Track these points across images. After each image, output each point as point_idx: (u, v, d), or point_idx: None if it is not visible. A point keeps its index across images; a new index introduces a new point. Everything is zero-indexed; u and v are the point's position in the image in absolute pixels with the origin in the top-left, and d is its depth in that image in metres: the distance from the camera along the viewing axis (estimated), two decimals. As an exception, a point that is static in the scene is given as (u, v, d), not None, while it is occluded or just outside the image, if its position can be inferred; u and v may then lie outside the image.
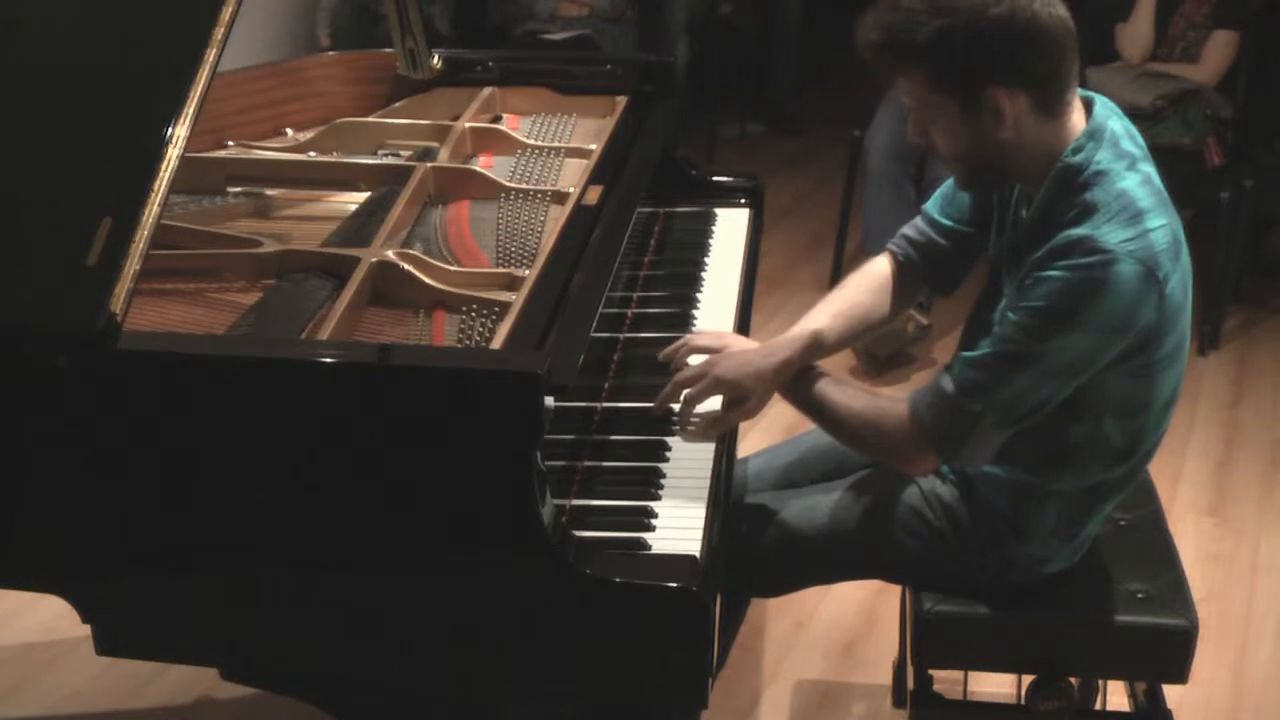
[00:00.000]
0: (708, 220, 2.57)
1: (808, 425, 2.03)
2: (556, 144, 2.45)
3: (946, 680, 2.15)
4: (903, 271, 2.10)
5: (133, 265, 1.56)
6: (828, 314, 2.04)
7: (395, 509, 1.58)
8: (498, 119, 2.62)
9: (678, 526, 1.70)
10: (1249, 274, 4.38)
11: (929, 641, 1.98)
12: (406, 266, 1.93)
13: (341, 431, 1.58)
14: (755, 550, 2.01)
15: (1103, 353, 1.74)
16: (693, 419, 1.91)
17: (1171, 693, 2.09)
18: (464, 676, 1.69)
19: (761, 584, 2.12)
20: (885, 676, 2.61)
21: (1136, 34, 4.06)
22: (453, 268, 1.98)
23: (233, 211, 2.22)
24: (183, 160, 1.63)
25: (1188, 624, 1.94)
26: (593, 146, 2.37)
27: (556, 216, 2.10)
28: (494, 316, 1.84)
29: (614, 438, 1.90)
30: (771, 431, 3.15)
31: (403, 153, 2.45)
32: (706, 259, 2.42)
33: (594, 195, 2.15)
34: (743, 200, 2.64)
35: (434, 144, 2.42)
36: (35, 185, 1.69)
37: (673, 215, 2.59)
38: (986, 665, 2.10)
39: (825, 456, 2.16)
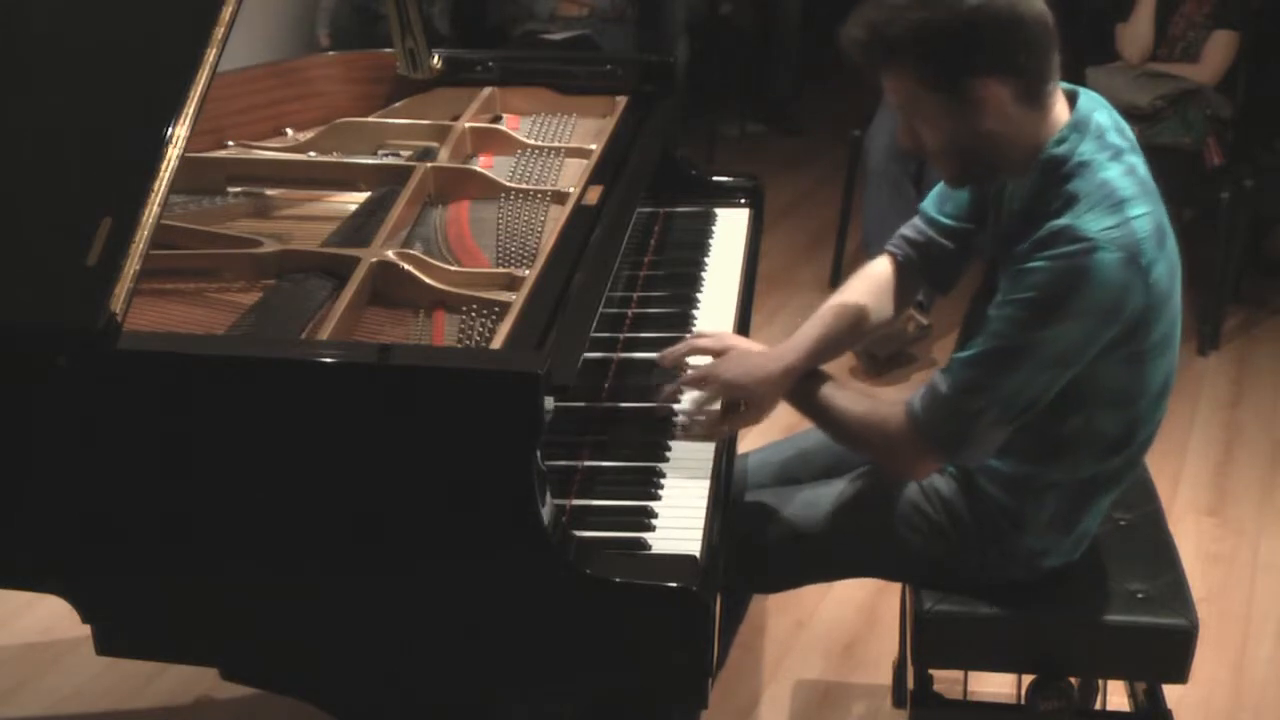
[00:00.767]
0: (708, 220, 2.57)
1: (807, 423, 2.03)
2: (556, 144, 2.45)
3: (946, 680, 2.15)
4: (903, 271, 2.10)
5: (133, 265, 1.57)
6: (831, 317, 2.05)
7: (395, 509, 1.58)
8: (498, 119, 2.62)
9: (678, 526, 1.70)
10: (1249, 274, 4.38)
11: (929, 641, 1.98)
12: (406, 266, 1.93)
13: (341, 431, 1.58)
14: (755, 547, 2.01)
15: (1093, 341, 1.75)
16: (697, 418, 1.91)
17: (1171, 693, 2.09)
18: (464, 676, 1.69)
19: (761, 581, 2.12)
20: (885, 676, 2.61)
21: (1136, 34, 4.06)
22: (453, 268, 1.98)
23: (233, 211, 2.22)
24: (183, 160, 1.63)
25: (1188, 624, 1.95)
26: (593, 146, 2.37)
27: (556, 216, 2.10)
28: (494, 316, 1.84)
29: (614, 438, 1.90)
30: (771, 430, 3.14)
31: (403, 153, 2.45)
32: (706, 259, 2.42)
33: (594, 195, 2.15)
34: (743, 200, 2.64)
35: (434, 144, 2.42)
36: (35, 185, 1.69)
37: (673, 215, 2.59)
38: (986, 665, 2.10)
39: (825, 452, 2.16)
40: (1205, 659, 2.57)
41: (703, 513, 1.73)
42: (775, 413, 1.98)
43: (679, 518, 1.72)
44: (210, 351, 1.66)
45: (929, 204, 2.09)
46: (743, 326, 2.24)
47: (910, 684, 2.08)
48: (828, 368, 2.01)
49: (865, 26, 1.76)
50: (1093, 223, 1.71)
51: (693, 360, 2.01)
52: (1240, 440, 3.59)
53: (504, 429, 1.53)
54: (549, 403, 1.53)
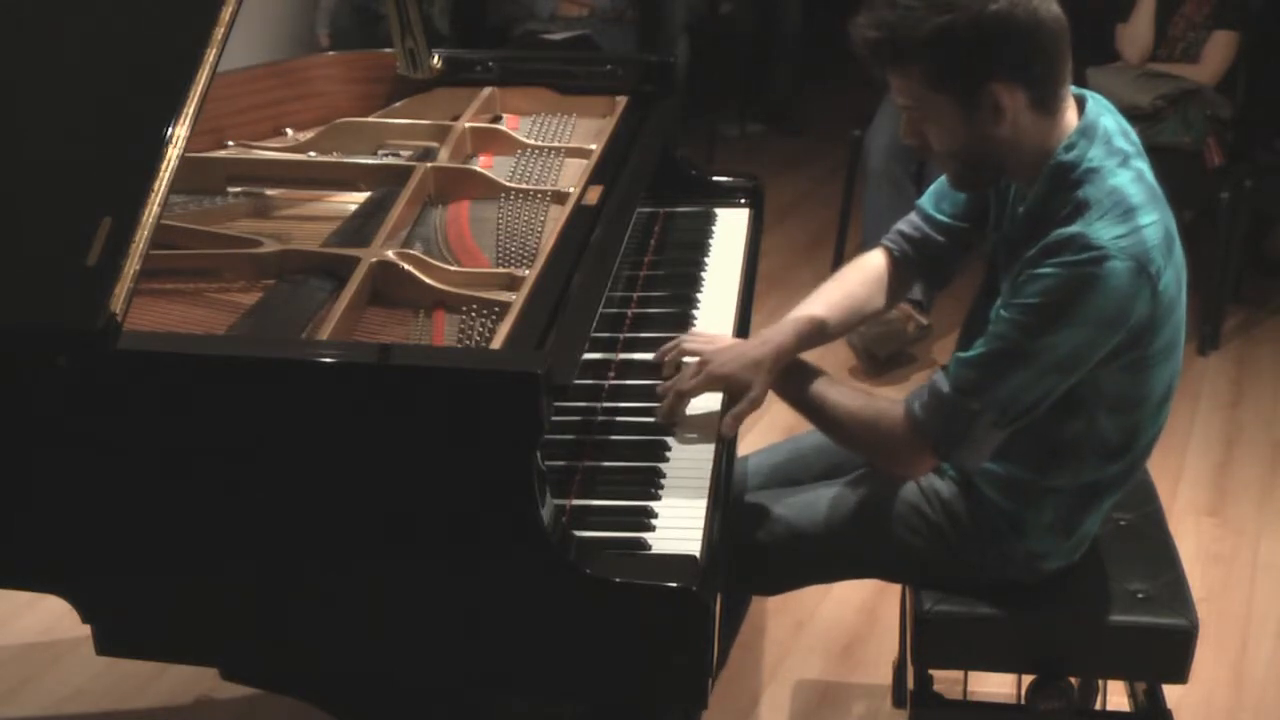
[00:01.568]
0: (708, 220, 2.57)
1: (807, 425, 2.03)
2: (556, 144, 2.45)
3: (946, 680, 2.15)
4: (897, 266, 2.11)
5: (133, 265, 1.56)
6: (822, 303, 2.05)
7: (395, 509, 1.58)
8: (498, 119, 2.62)
9: (678, 526, 1.70)
10: (1249, 274, 4.38)
11: (929, 641, 1.98)
12: (406, 266, 1.93)
13: (341, 431, 1.58)
14: (755, 548, 2.01)
15: (1096, 349, 1.74)
16: (691, 415, 1.91)
17: (1171, 693, 2.09)
18: (464, 676, 1.69)
19: (761, 582, 2.12)
20: (885, 676, 2.61)
21: (1136, 34, 4.06)
22: (453, 268, 1.98)
23: (233, 211, 2.22)
24: (183, 160, 1.63)
25: (1188, 624, 1.95)
26: (593, 146, 2.37)
27: (556, 216, 2.10)
28: (494, 316, 1.84)
29: (614, 438, 1.90)
30: (771, 431, 3.15)
31: (403, 153, 2.45)
32: (706, 259, 2.42)
33: (594, 195, 2.15)
34: (743, 200, 2.64)
35: (434, 144, 2.42)
36: (35, 185, 1.69)
37: (673, 215, 2.59)
38: (986, 665, 2.10)
39: (825, 454, 2.16)
40: (1205, 659, 2.57)
41: (703, 513, 1.72)
42: (776, 414, 1.98)
43: (679, 518, 1.72)
44: (210, 351, 1.66)
45: (926, 200, 2.09)
46: (743, 326, 2.24)
47: (910, 684, 2.08)
48: (824, 368, 2.01)
49: (880, 27, 1.74)
50: (1104, 231, 1.70)
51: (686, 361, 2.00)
52: (1240, 440, 3.59)
53: (504, 429, 1.53)
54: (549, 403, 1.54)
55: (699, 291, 2.31)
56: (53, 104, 1.74)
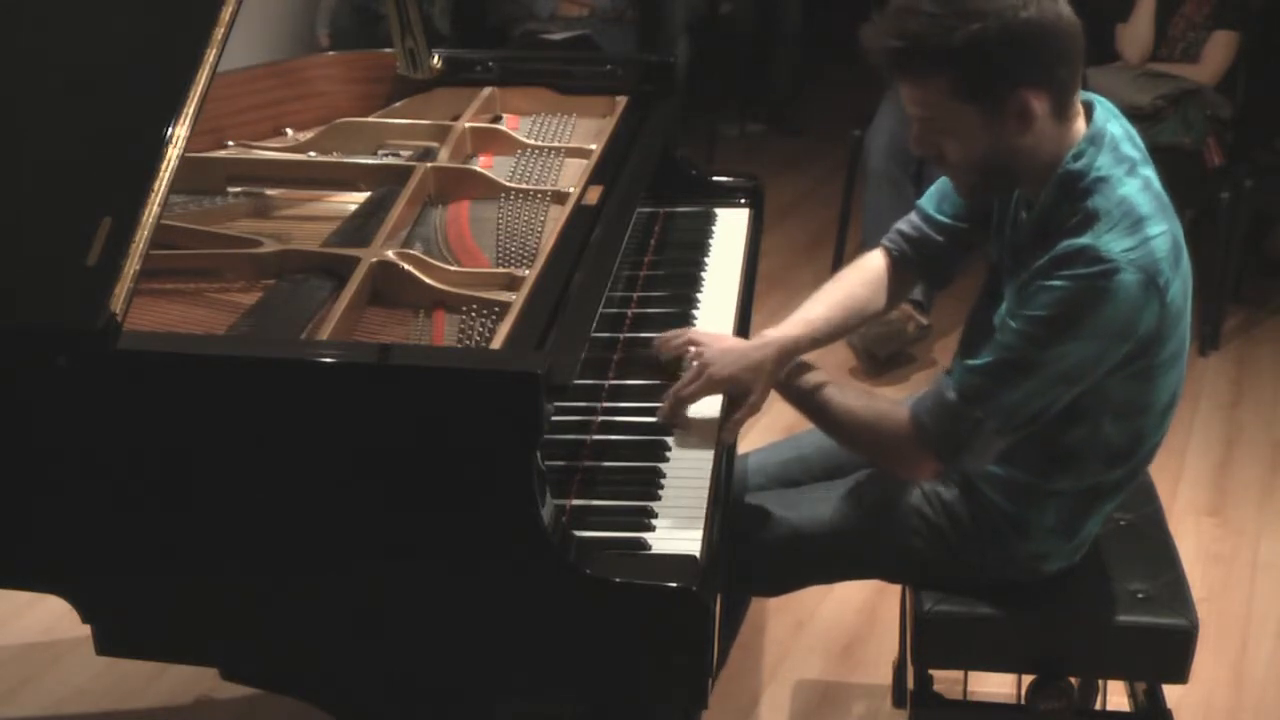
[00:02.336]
0: (708, 220, 2.57)
1: (807, 424, 2.03)
2: (556, 144, 2.45)
3: (946, 680, 2.15)
4: (897, 266, 2.10)
5: (133, 265, 1.56)
6: (822, 304, 2.05)
7: (395, 509, 1.58)
8: (498, 119, 2.62)
9: (678, 526, 1.70)
10: (1249, 274, 4.38)
11: (929, 641, 1.98)
12: (406, 266, 1.93)
13: (341, 432, 1.58)
14: (755, 548, 2.01)
15: (1104, 360, 1.74)
16: (690, 416, 1.91)
17: (1171, 693, 2.09)
18: (464, 676, 1.69)
19: (761, 582, 2.12)
20: (885, 676, 2.61)
21: (1136, 34, 4.06)
22: (453, 268, 1.98)
23: (233, 211, 2.22)
24: (183, 160, 1.63)
25: (1188, 624, 1.95)
26: (593, 146, 2.37)
27: (556, 216, 2.09)
28: (494, 316, 1.84)
29: (614, 438, 1.90)
30: (771, 431, 3.15)
31: (403, 153, 2.45)
32: (706, 259, 2.42)
33: (594, 195, 2.14)
34: (743, 200, 2.64)
35: (434, 144, 2.42)
36: (35, 185, 1.69)
37: (673, 215, 2.59)
38: (986, 665, 2.10)
39: (826, 454, 2.16)
40: (1205, 659, 2.57)
41: (703, 512, 1.72)
42: (776, 414, 1.98)
43: (679, 517, 1.72)
44: (210, 352, 1.66)
45: (926, 201, 2.08)
46: (743, 326, 2.24)
47: (910, 684, 2.08)
48: (825, 367, 2.01)
49: (904, 36, 1.69)
50: (1114, 244, 1.69)
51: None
52: (1240, 440, 3.59)
53: (504, 429, 1.53)
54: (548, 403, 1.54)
55: (699, 291, 2.31)
56: (53, 104, 1.74)
